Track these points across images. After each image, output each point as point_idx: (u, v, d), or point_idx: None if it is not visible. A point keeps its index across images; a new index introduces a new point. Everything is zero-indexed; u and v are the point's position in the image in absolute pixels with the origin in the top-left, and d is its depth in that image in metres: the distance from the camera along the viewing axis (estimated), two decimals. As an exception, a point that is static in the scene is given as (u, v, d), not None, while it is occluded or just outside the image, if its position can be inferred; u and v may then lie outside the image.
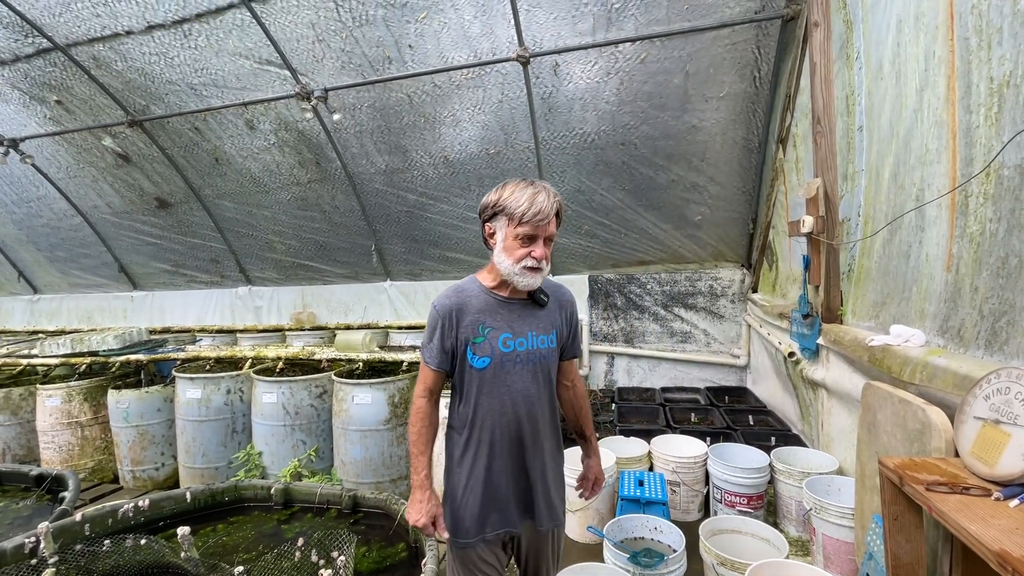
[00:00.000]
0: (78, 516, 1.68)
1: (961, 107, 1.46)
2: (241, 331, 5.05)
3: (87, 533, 1.66)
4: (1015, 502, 1.03)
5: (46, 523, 1.51)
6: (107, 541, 1.51)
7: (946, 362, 1.42)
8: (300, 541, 1.41)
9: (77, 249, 5.62)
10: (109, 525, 1.74)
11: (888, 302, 1.90)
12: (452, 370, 1.47)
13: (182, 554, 1.47)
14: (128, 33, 3.43)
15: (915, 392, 1.50)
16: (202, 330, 5.26)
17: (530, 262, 1.37)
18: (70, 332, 5.58)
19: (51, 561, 1.46)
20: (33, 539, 1.52)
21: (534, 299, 1.48)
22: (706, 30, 2.86)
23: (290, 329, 4.89)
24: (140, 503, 1.79)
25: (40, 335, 5.69)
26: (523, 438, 1.47)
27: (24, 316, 6.38)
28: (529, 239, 1.36)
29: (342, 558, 1.23)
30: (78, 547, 1.51)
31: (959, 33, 1.46)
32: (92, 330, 4.93)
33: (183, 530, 1.47)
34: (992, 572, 1.17)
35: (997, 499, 1.05)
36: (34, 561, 1.47)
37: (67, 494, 2.06)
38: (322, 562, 1.38)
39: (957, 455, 1.26)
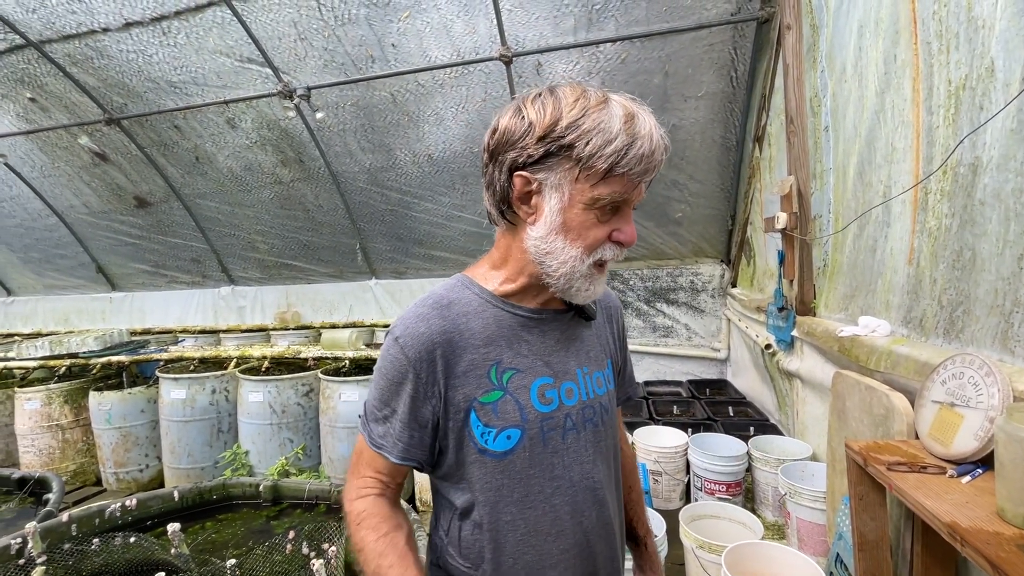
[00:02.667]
0: (64, 516, 1.68)
1: (924, 108, 1.54)
2: (224, 331, 5.00)
3: (74, 533, 1.66)
4: (967, 478, 1.10)
5: (33, 523, 1.52)
6: (96, 540, 1.52)
7: (908, 350, 1.50)
8: (291, 534, 1.44)
9: (52, 250, 5.50)
10: (96, 525, 1.75)
11: (856, 294, 1.98)
12: (432, 462, 0.82)
13: (172, 550, 1.49)
14: (105, 30, 3.37)
15: (880, 379, 1.59)
16: (184, 331, 5.20)
17: (609, 251, 0.77)
18: (47, 334, 5.46)
19: (39, 561, 1.46)
20: (19, 540, 1.52)
21: (579, 309, 0.87)
22: (684, 31, 2.93)
23: (274, 329, 4.86)
24: (127, 503, 1.80)
25: (15, 338, 5.56)
26: (597, 571, 0.84)
27: (-3, 319, 6.22)
28: (612, 208, 0.74)
29: (333, 548, 1.26)
30: (66, 546, 1.51)
31: (922, 37, 1.53)
32: (70, 332, 4.84)
33: (173, 526, 1.49)
34: (949, 548, 1.26)
35: (951, 476, 1.13)
36: (22, 561, 1.48)
37: (51, 496, 2.05)
38: (312, 553, 1.41)
39: (917, 437, 1.34)
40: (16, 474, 2.28)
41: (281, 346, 3.52)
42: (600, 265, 0.78)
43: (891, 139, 1.70)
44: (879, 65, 1.71)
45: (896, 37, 1.61)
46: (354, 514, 0.78)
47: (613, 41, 3.03)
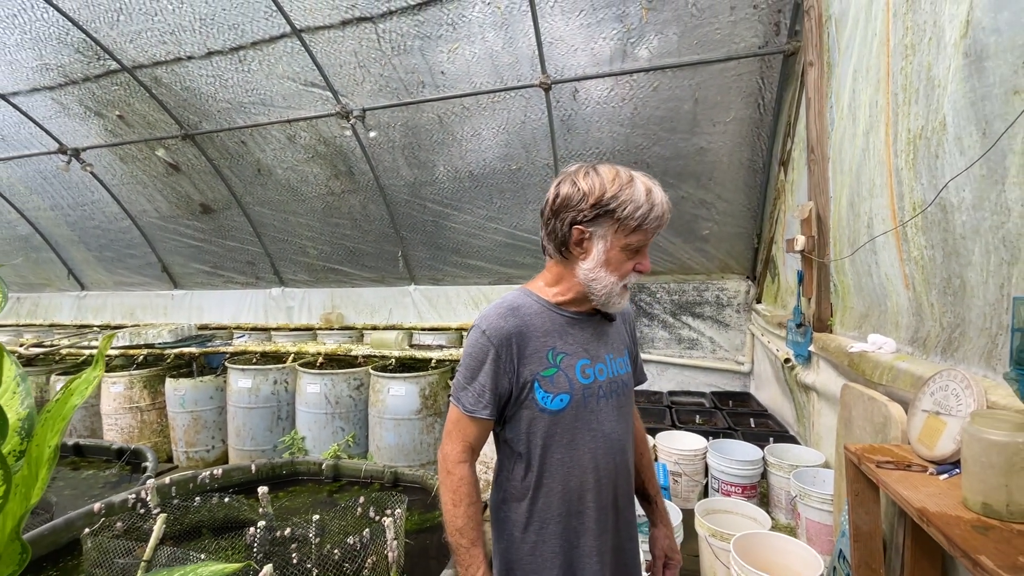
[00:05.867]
0: (167, 479, 2.00)
1: (892, 151, 1.71)
2: (275, 329, 5.40)
3: (173, 494, 1.98)
4: (944, 476, 1.28)
5: (152, 480, 1.84)
6: (197, 498, 1.82)
7: (907, 366, 1.66)
8: (361, 499, 1.71)
9: (124, 250, 6.04)
10: (190, 488, 2.05)
11: (870, 315, 2.14)
12: (502, 421, 1.13)
13: (260, 509, 1.78)
14: (189, 58, 3.80)
15: (883, 391, 1.75)
16: (238, 327, 5.62)
17: (633, 278, 1.11)
18: (115, 327, 5.99)
19: (155, 512, 1.77)
20: (133, 495, 1.84)
21: (604, 312, 1.18)
22: (714, 62, 3.13)
23: (320, 328, 5.22)
24: (215, 471, 2.10)
25: (88, 328, 6.11)
26: (618, 500, 1.15)
27: (72, 311, 6.82)
28: (636, 250, 1.09)
29: (399, 511, 1.52)
30: (175, 502, 1.82)
31: (892, 88, 1.71)
32: (136, 325, 5.33)
33: (262, 489, 1.78)
34: (936, 543, 1.42)
35: (931, 474, 1.30)
36: (142, 511, 1.79)
37: (148, 464, 2.40)
38: (378, 516, 1.67)
39: (910, 443, 1.51)
40: (115, 445, 2.63)
41: (328, 344, 3.85)
42: (625, 287, 1.12)
43: (872, 176, 1.88)
44: (866, 108, 1.89)
45: (878, 85, 1.80)
46: (456, 476, 1.08)
47: (646, 71, 3.26)
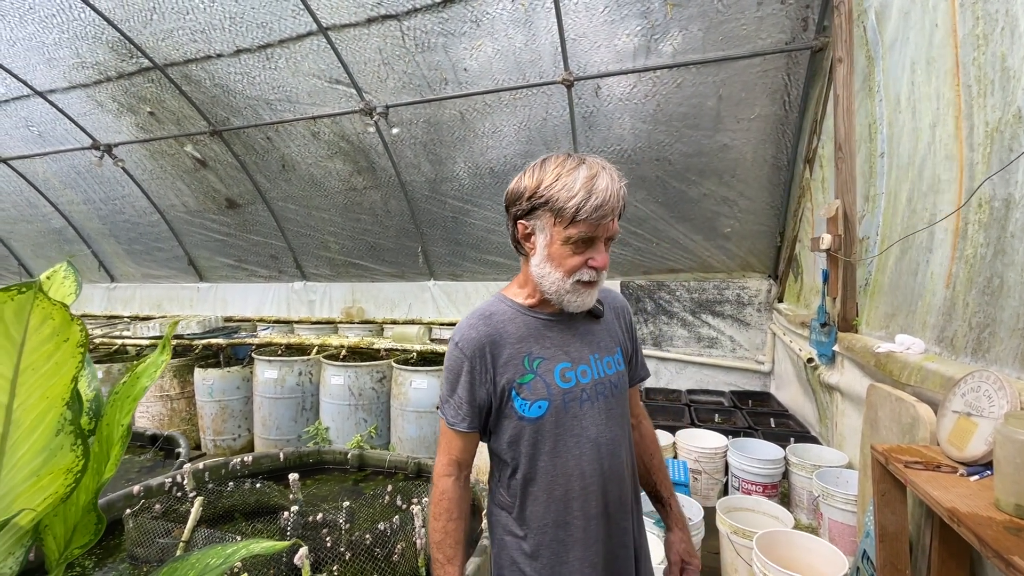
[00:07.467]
0: (200, 465, 2.07)
1: (966, 145, 1.68)
2: (297, 322, 5.50)
3: (206, 479, 2.04)
4: (975, 477, 1.27)
5: (188, 464, 1.90)
6: (231, 483, 1.88)
7: (936, 366, 1.65)
8: (389, 487, 1.75)
9: (152, 243, 6.20)
10: (222, 474, 2.12)
11: (897, 314, 2.11)
12: (487, 432, 1.10)
13: (290, 496, 1.83)
14: (219, 56, 3.89)
15: (910, 392, 1.73)
16: (261, 320, 5.74)
17: (587, 275, 1.01)
18: (143, 318, 6.17)
19: (192, 495, 1.83)
20: (169, 479, 1.91)
21: (588, 310, 1.11)
22: (739, 59, 3.10)
23: (341, 322, 5.31)
24: (245, 459, 2.17)
25: (118, 319, 6.30)
26: (608, 507, 1.08)
27: (102, 302, 7.03)
28: (585, 242, 0.99)
29: (426, 499, 1.56)
30: (210, 486, 1.88)
31: (963, 80, 1.68)
32: (164, 316, 5.48)
33: (293, 476, 1.83)
34: (964, 544, 1.41)
35: (961, 475, 1.29)
36: (179, 494, 1.86)
37: (181, 450, 2.48)
38: (405, 505, 1.71)
39: (939, 444, 1.50)
40: (149, 431, 2.73)
41: (350, 338, 3.92)
42: (585, 283, 1.03)
43: (937, 171, 1.84)
44: (932, 100, 1.85)
45: (945, 77, 1.76)
46: (439, 489, 1.07)
47: (670, 67, 3.24)
